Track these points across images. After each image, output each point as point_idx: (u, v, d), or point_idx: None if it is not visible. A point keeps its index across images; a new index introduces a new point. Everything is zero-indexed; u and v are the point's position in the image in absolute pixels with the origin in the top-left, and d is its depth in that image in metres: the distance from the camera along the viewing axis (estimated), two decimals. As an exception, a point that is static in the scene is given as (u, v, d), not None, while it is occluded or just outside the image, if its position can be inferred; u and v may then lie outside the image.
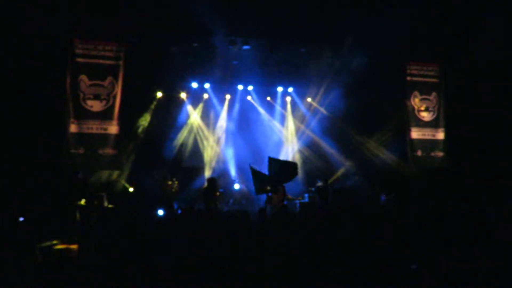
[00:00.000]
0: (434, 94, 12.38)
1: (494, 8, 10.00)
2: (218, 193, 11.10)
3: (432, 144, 12.23)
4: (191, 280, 4.05)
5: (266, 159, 9.95)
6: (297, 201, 11.82)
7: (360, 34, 10.43)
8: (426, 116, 12.28)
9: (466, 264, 3.96)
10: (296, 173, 9.78)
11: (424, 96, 12.31)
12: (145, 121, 12.72)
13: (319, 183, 11.96)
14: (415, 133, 12.15)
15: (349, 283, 3.81)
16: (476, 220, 5.69)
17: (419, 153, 12.07)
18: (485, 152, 11.49)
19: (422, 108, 12.27)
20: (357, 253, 4.29)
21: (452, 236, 4.78)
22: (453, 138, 12.23)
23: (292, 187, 11.68)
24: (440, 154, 12.24)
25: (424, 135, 12.22)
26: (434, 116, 12.34)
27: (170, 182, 12.37)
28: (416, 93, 12.26)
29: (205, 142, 14.02)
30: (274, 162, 9.82)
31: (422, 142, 12.15)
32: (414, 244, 4.57)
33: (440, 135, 12.32)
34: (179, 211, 9.01)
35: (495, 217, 5.95)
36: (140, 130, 12.59)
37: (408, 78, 12.22)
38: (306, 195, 12.49)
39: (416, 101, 12.23)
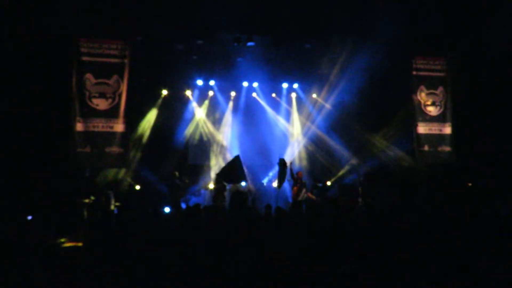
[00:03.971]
0: (440, 88, 12.28)
1: (501, 1, 9.88)
2: (224, 191, 11.15)
3: (439, 139, 12.14)
4: (197, 276, 4.05)
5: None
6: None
7: (365, 29, 10.36)
8: (432, 110, 12.19)
9: (478, 259, 3.92)
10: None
11: (430, 91, 12.21)
12: (151, 119, 12.74)
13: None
14: (422, 128, 12.07)
15: (360, 279, 3.79)
16: (486, 215, 5.64)
17: (426, 148, 11.98)
18: (493, 147, 11.39)
19: (429, 103, 12.17)
20: (366, 249, 4.27)
21: (462, 231, 4.75)
22: (460, 132, 12.13)
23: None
24: (447, 148, 12.14)
25: (431, 130, 12.13)
26: (441, 110, 12.25)
27: (177, 180, 12.38)
28: (423, 87, 12.17)
29: (210, 140, 14.03)
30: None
31: (429, 137, 12.06)
32: (422, 239, 4.55)
33: (447, 129, 12.22)
34: (186, 208, 9.03)
35: (506, 212, 5.89)
36: (146, 128, 12.62)
37: (414, 72, 12.13)
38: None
39: (422, 96, 12.14)
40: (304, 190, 10.70)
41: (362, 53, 11.37)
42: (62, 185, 9.38)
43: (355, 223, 5.20)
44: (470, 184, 10.95)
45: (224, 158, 13.85)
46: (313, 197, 11.20)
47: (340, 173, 13.66)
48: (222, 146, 14.03)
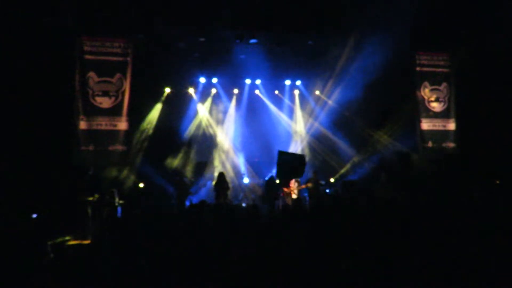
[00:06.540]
0: (444, 84, 12.23)
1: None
2: (227, 188, 11.16)
3: (443, 135, 12.11)
4: (202, 273, 4.07)
5: (275, 153, 9.95)
6: (306, 194, 11.86)
7: (368, 25, 10.31)
8: (436, 106, 12.15)
9: (480, 256, 3.92)
10: (303, 166, 9.65)
11: (434, 87, 12.16)
12: (154, 116, 12.75)
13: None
14: (426, 124, 12.03)
15: (362, 277, 3.80)
16: (488, 209, 5.62)
17: (429, 144, 11.96)
18: (497, 142, 11.32)
19: (432, 99, 12.13)
20: (368, 246, 4.27)
21: (464, 226, 4.74)
22: (464, 128, 12.07)
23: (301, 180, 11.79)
24: (451, 144, 12.11)
25: (435, 126, 12.09)
26: (445, 106, 12.20)
27: (185, 178, 12.37)
28: (426, 83, 12.12)
29: (213, 137, 14.04)
30: (283, 156, 9.73)
31: (432, 133, 12.03)
32: (425, 235, 4.54)
33: (451, 125, 12.18)
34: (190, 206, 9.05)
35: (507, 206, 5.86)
36: (149, 126, 12.63)
37: (418, 68, 12.09)
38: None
39: (426, 92, 12.10)
40: (297, 185, 11.01)
41: (365, 49, 11.33)
42: (66, 183, 9.42)
43: (357, 220, 5.20)
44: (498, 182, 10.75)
45: (227, 155, 13.87)
46: (309, 184, 11.35)
47: (343, 170, 13.64)
48: (225, 143, 14.04)
